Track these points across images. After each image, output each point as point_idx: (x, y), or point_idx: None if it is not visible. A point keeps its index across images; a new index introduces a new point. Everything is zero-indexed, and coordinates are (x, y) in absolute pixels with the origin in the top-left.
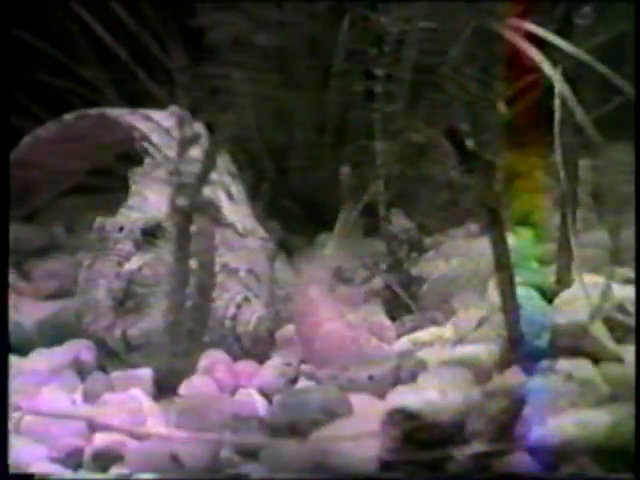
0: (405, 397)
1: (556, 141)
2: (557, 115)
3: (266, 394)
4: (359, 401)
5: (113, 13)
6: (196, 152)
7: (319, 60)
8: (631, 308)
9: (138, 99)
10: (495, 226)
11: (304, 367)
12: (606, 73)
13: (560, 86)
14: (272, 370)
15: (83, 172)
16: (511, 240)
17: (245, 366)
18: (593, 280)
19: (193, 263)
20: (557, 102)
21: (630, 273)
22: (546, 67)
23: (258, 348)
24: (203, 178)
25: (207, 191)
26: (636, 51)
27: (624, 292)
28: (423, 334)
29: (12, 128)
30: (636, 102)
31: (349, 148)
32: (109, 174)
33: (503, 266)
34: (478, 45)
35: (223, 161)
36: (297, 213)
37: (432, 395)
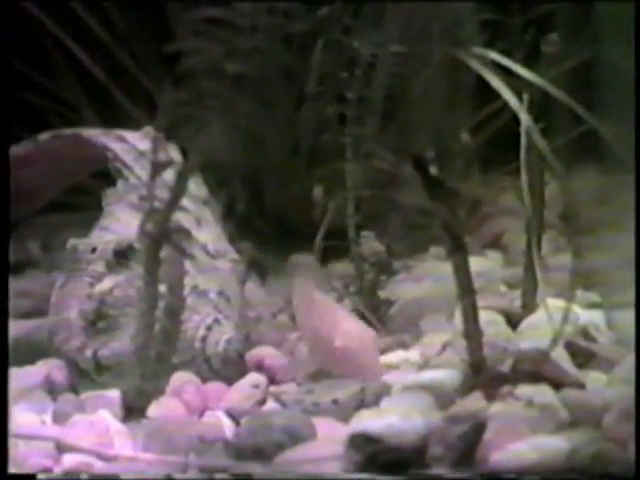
0: (368, 421)
1: (522, 167)
2: (523, 141)
3: (234, 416)
4: (323, 425)
5: (92, 34)
6: (169, 175)
7: (292, 83)
8: (595, 333)
9: (116, 119)
10: (458, 253)
11: (271, 389)
12: (568, 102)
13: (522, 115)
14: (240, 392)
15: (59, 190)
16: (480, 263)
17: (214, 388)
18: (559, 305)
19: (162, 287)
20: (522, 130)
21: (595, 298)
22: (508, 97)
23: (227, 370)
24: (173, 204)
25: (177, 216)
26: (636, 53)
27: (589, 317)
28: (390, 357)
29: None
30: (636, 103)
31: (321, 170)
32: (85, 192)
33: (466, 292)
34: (446, 71)
35: (194, 186)
36: (270, 233)
37: (394, 419)
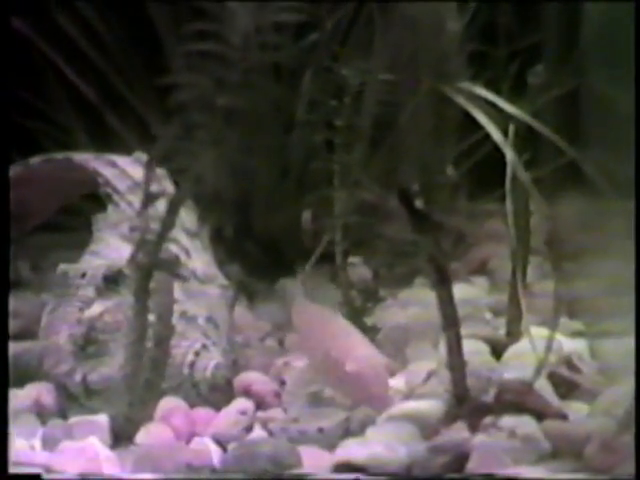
0: (353, 450)
1: (507, 196)
2: (508, 171)
3: (221, 442)
4: (308, 453)
5: (86, 58)
6: (160, 204)
7: (282, 111)
8: (579, 363)
9: (108, 143)
10: (442, 284)
11: (259, 415)
12: (549, 135)
13: (505, 149)
14: (227, 418)
15: (50, 212)
16: (466, 290)
17: (202, 413)
18: (543, 333)
19: (152, 315)
20: (507, 160)
21: (580, 326)
22: (492, 132)
23: (215, 395)
24: (163, 235)
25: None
26: (636, 53)
27: (573, 345)
28: None
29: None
30: (636, 108)
31: (310, 196)
32: (75, 213)
33: (450, 324)
34: (433, 103)
35: (184, 215)
36: (259, 258)
37: (378, 449)
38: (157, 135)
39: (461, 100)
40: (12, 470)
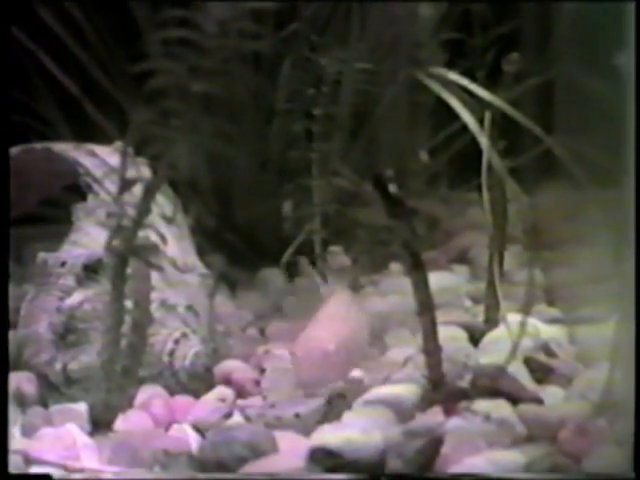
0: (329, 435)
1: (483, 185)
2: (484, 160)
3: (201, 429)
4: (285, 438)
5: (65, 48)
6: (139, 191)
7: (260, 100)
8: (556, 349)
9: (89, 133)
10: (417, 270)
11: (239, 402)
12: (525, 123)
13: (479, 136)
14: (207, 406)
15: (31, 204)
16: (446, 278)
17: (181, 401)
18: (521, 320)
19: (129, 302)
20: (483, 148)
21: (557, 313)
22: (467, 119)
23: (194, 383)
24: (139, 221)
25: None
26: (636, 52)
27: (551, 332)
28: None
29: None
30: (636, 106)
31: (290, 186)
32: (55, 205)
33: (425, 309)
34: (408, 90)
35: (161, 202)
36: (239, 247)
37: (353, 434)
38: (130, 121)
39: (435, 86)
40: None
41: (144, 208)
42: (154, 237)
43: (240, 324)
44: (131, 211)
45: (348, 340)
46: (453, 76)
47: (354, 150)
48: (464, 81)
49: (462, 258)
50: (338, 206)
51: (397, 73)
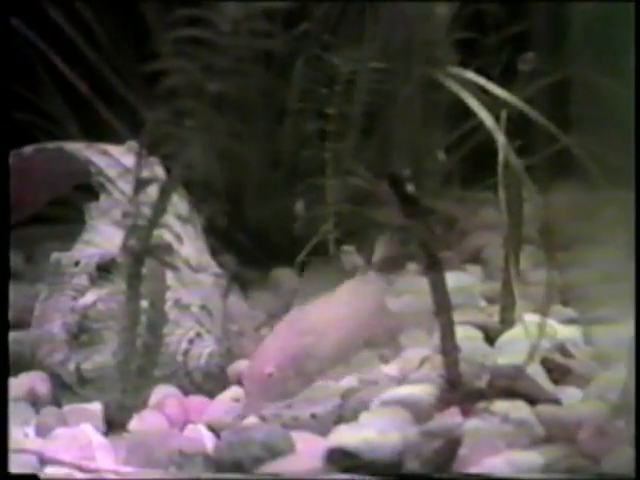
0: (346, 435)
1: (499, 184)
2: (500, 158)
3: (215, 430)
4: (302, 438)
5: (75, 47)
6: (153, 191)
7: (273, 100)
8: (572, 349)
9: (99, 133)
10: (434, 270)
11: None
12: (541, 121)
13: (497, 134)
14: (221, 406)
15: (42, 203)
16: (460, 278)
17: (195, 401)
18: (537, 320)
19: (144, 302)
20: (499, 147)
21: (573, 313)
22: (484, 117)
23: (209, 383)
24: (155, 221)
25: (159, 232)
26: (636, 51)
27: (567, 332)
28: (370, 371)
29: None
30: (636, 105)
31: (302, 185)
32: (68, 205)
33: (443, 309)
34: (423, 89)
35: (176, 201)
36: (251, 248)
37: (371, 434)
38: (145, 120)
39: (452, 85)
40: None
41: (160, 207)
42: (168, 236)
43: (253, 324)
44: (145, 211)
45: (301, 354)
46: (470, 75)
47: (368, 149)
48: (481, 80)
49: (475, 258)
50: (351, 206)
51: (411, 72)
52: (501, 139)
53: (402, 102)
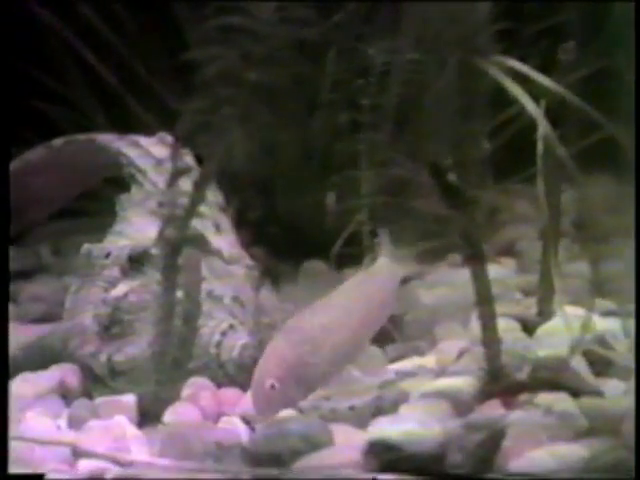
0: (386, 427)
1: (538, 174)
2: (539, 148)
3: (249, 422)
4: (340, 431)
5: (104, 41)
6: (184, 182)
7: (306, 91)
8: (612, 341)
9: (128, 126)
10: (476, 260)
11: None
12: (585, 109)
13: (541, 122)
14: None
15: (71, 196)
16: (494, 270)
17: (229, 393)
18: (574, 312)
19: (180, 293)
20: (539, 136)
21: (611, 305)
22: (528, 104)
23: (242, 375)
24: (192, 210)
25: (195, 222)
26: (636, 51)
27: (605, 324)
28: (406, 364)
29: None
30: (636, 104)
31: (335, 177)
32: (96, 198)
33: (484, 299)
34: (462, 78)
35: (210, 192)
36: (283, 240)
37: (412, 426)
38: (180, 110)
39: (494, 72)
40: (38, 450)
41: (197, 196)
42: (205, 226)
43: (284, 317)
44: (180, 201)
45: (299, 364)
46: (512, 63)
47: (403, 140)
48: (524, 68)
49: (509, 251)
50: (386, 197)
51: (450, 61)
52: (544, 126)
53: (440, 91)
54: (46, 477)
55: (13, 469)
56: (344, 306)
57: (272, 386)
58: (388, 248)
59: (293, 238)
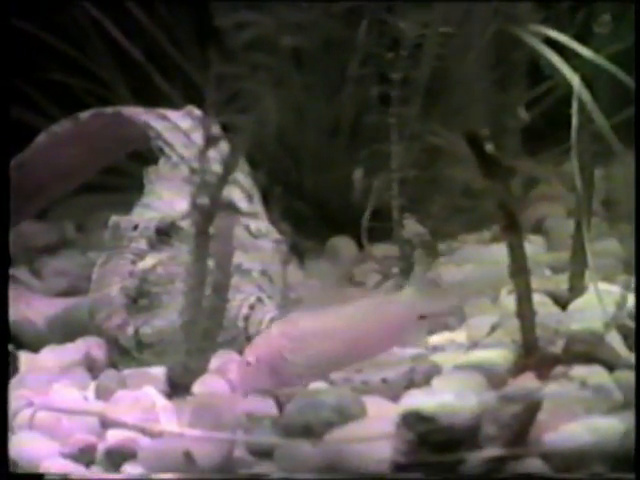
0: (419, 400)
1: (573, 148)
2: (574, 121)
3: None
4: (372, 403)
5: (128, 12)
6: (212, 153)
7: (336, 63)
8: None
9: (152, 99)
10: (512, 230)
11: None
12: (624, 79)
13: (580, 91)
14: None
15: (96, 171)
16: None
17: None
18: (605, 288)
19: (210, 263)
20: (574, 107)
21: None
22: (568, 74)
23: None
24: (225, 177)
25: (228, 190)
26: (636, 51)
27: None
28: (436, 338)
29: (13, 126)
30: (636, 103)
31: (363, 151)
32: (120, 173)
33: (519, 271)
34: (497, 49)
35: (241, 162)
36: (310, 216)
37: (447, 398)
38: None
39: (533, 41)
40: (65, 421)
41: (231, 163)
42: (237, 196)
43: (309, 293)
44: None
45: (277, 356)
46: (552, 33)
47: (434, 113)
48: (563, 38)
49: (537, 228)
50: (417, 171)
51: (485, 30)
52: (585, 96)
53: (475, 62)
54: (46, 477)
55: (39, 440)
56: (350, 322)
57: (248, 363)
58: (419, 281)
59: (319, 214)
